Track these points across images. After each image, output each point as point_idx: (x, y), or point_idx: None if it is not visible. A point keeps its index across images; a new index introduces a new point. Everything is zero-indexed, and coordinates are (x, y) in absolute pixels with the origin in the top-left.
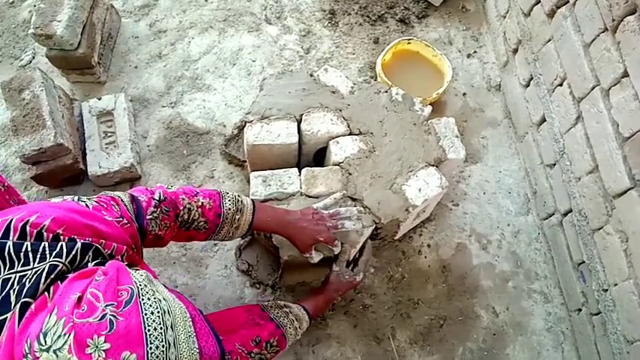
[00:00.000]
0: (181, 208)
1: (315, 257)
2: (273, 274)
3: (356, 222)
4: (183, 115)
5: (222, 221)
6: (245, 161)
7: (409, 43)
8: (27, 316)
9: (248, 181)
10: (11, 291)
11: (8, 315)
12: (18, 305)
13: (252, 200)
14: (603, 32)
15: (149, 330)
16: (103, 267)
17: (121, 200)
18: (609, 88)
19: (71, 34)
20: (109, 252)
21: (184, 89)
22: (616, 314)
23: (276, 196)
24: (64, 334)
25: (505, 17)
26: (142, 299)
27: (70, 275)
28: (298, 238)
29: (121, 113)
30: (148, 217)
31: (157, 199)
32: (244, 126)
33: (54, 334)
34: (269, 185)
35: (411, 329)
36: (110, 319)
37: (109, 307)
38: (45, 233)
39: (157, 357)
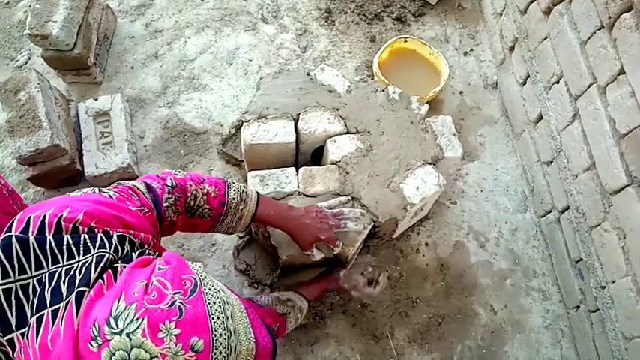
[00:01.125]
0: (188, 194)
1: (317, 255)
2: (271, 273)
3: (358, 223)
4: (180, 114)
5: (226, 210)
6: (242, 161)
7: (406, 41)
8: (87, 303)
9: (245, 181)
10: (61, 282)
11: (61, 305)
12: (73, 294)
13: (257, 193)
14: (599, 30)
15: (213, 318)
16: (160, 257)
17: (138, 189)
18: (606, 86)
19: (67, 35)
20: (139, 242)
21: (181, 89)
22: (614, 311)
23: (273, 196)
24: (137, 319)
25: (501, 15)
26: (205, 289)
27: (127, 264)
28: (300, 234)
29: (118, 113)
30: (164, 204)
31: (170, 185)
32: (241, 125)
33: (126, 318)
34: (266, 185)
35: (409, 327)
36: (179, 305)
37: (177, 295)
38: (80, 227)
39: (221, 344)
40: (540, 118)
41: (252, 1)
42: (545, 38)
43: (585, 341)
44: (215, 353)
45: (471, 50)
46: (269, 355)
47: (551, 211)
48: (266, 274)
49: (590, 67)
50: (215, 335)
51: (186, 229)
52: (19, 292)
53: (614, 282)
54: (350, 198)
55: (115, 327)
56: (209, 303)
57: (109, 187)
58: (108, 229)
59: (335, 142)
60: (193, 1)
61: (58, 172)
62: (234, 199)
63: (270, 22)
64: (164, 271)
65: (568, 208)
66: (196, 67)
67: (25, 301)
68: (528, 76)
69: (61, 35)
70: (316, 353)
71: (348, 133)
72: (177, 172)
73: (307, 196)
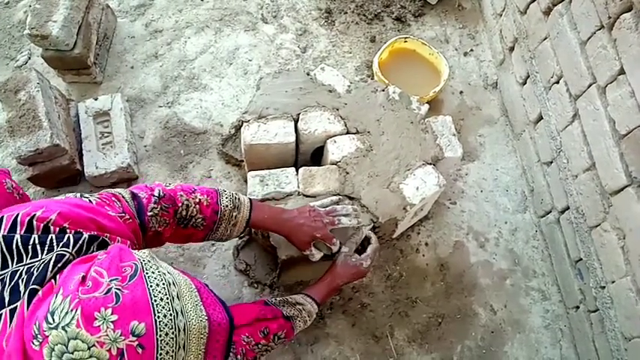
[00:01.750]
0: (179, 204)
1: (316, 255)
2: (271, 273)
3: (352, 219)
4: (179, 114)
5: (220, 218)
6: (242, 161)
7: (406, 41)
8: (34, 302)
9: (245, 181)
10: (20, 281)
11: (18, 304)
12: (26, 293)
13: (250, 198)
14: (599, 30)
15: (155, 300)
16: (104, 250)
17: (122, 197)
18: (606, 86)
19: (67, 35)
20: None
21: (181, 89)
22: (614, 311)
23: (273, 196)
24: (71, 310)
25: (501, 15)
26: (147, 273)
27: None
28: (295, 235)
29: (118, 113)
30: (148, 213)
31: (157, 195)
32: (241, 125)
33: (61, 312)
34: (266, 185)
35: (409, 327)
36: (116, 292)
37: (113, 282)
38: (51, 227)
39: (166, 325)
40: (540, 118)
41: (252, 1)
42: (545, 38)
43: (585, 341)
44: (160, 335)
45: (471, 50)
46: (225, 330)
47: (551, 212)
48: (266, 274)
49: (590, 67)
50: (158, 317)
51: (178, 240)
52: None
53: (613, 282)
54: (341, 196)
55: (52, 322)
56: (151, 286)
57: (92, 194)
58: (81, 230)
59: (335, 142)
60: (193, 1)
61: (58, 172)
62: (227, 206)
63: (270, 22)
64: (101, 260)
65: (568, 208)
66: (196, 67)
67: None
68: (528, 76)
69: (61, 35)
70: (316, 353)
71: (348, 133)
72: (167, 184)
73: (307, 196)
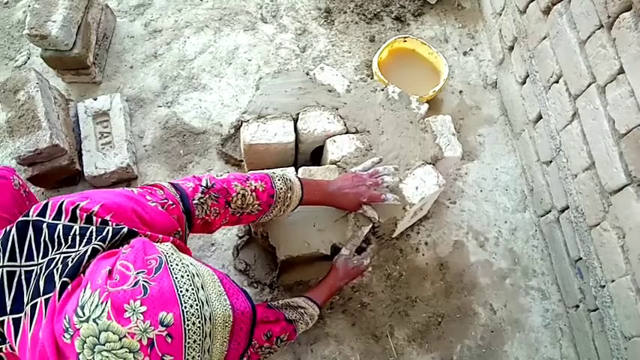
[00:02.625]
0: (233, 194)
1: (369, 212)
2: (270, 273)
3: (394, 176)
4: (179, 114)
5: (275, 201)
6: (242, 161)
7: (405, 41)
8: (64, 296)
9: None
10: (55, 270)
11: (52, 294)
12: (58, 285)
13: (298, 177)
14: (599, 29)
15: (181, 291)
16: (127, 244)
17: (164, 186)
18: (605, 85)
19: (66, 35)
20: (155, 242)
21: (180, 89)
22: (613, 310)
23: None
24: (101, 303)
25: (501, 15)
26: (171, 265)
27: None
28: (344, 204)
29: (117, 113)
30: (194, 201)
31: (205, 185)
32: (241, 125)
33: (91, 305)
34: None
35: (409, 327)
36: (143, 284)
37: (140, 275)
38: (94, 217)
39: (193, 314)
40: (540, 117)
41: (251, 0)
42: (545, 38)
43: (585, 340)
44: (188, 324)
45: (471, 50)
46: (249, 319)
47: (550, 211)
48: (265, 274)
49: (589, 67)
50: (185, 307)
51: (229, 225)
52: (22, 277)
53: (613, 281)
54: (381, 158)
55: (82, 315)
56: (176, 277)
57: (133, 187)
58: (122, 223)
59: (334, 141)
60: (192, 1)
61: (58, 172)
62: (281, 188)
63: (270, 22)
64: (126, 254)
65: (567, 207)
66: (196, 67)
67: (25, 287)
68: (528, 76)
69: (60, 35)
70: (316, 353)
71: (347, 132)
72: (219, 175)
73: None
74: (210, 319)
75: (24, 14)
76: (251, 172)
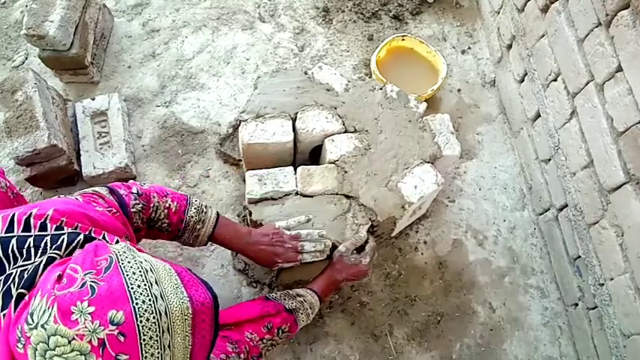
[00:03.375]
0: (151, 205)
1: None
2: (269, 272)
3: (318, 244)
4: (177, 114)
5: (184, 227)
6: (240, 160)
7: (403, 39)
8: (20, 307)
9: (244, 180)
10: (12, 284)
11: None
12: (14, 297)
13: (218, 214)
14: (597, 27)
15: (132, 287)
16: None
17: (102, 193)
18: (603, 83)
19: (64, 35)
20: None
21: (178, 88)
22: (612, 308)
23: (271, 195)
24: (48, 308)
25: (499, 13)
26: (122, 263)
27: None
28: (258, 259)
29: (115, 113)
30: (132, 209)
31: (135, 193)
32: (239, 125)
33: (39, 311)
34: (265, 184)
35: (408, 326)
36: (91, 284)
37: (87, 275)
38: (49, 223)
39: (146, 310)
40: (538, 115)
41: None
42: (543, 36)
43: (584, 338)
44: (141, 321)
45: (469, 48)
46: (210, 309)
47: (549, 209)
48: (264, 274)
49: (587, 65)
50: (137, 304)
51: (148, 237)
52: None
53: (612, 279)
54: (309, 217)
55: (32, 322)
56: (127, 275)
57: (72, 194)
58: (77, 224)
59: (333, 140)
60: (190, 1)
61: (56, 173)
62: (192, 217)
63: (268, 21)
64: (76, 257)
65: (566, 205)
66: (194, 67)
67: None
68: (526, 74)
69: (58, 35)
70: (315, 352)
71: (346, 131)
72: (142, 183)
73: (305, 195)
74: (166, 313)
75: (21, 14)
76: (176, 192)
